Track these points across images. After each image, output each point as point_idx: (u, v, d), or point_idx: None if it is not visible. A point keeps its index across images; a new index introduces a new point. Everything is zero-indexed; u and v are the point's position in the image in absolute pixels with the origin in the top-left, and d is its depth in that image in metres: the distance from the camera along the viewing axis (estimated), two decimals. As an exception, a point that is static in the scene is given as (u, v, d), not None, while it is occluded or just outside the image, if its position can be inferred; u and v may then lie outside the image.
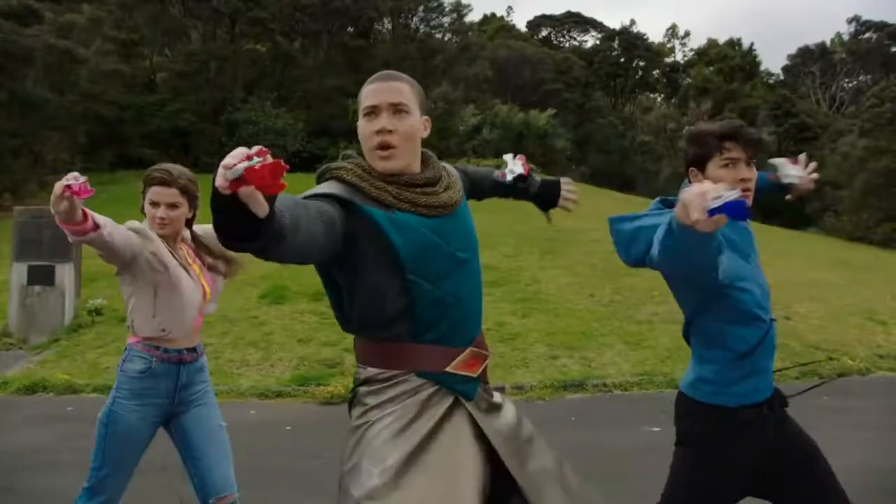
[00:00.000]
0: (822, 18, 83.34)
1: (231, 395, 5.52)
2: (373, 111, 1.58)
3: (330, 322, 7.22)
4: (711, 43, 45.34)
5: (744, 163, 1.87)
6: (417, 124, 1.62)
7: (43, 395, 5.58)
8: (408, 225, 1.53)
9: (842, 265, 13.06)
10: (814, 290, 9.64)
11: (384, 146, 1.56)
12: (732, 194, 1.27)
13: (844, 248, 17.41)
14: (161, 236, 2.39)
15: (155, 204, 2.37)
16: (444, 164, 1.77)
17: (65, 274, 7.02)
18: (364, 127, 1.60)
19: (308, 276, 8.92)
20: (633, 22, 66.42)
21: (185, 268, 2.41)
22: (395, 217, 1.53)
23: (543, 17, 48.52)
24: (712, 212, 1.26)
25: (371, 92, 1.60)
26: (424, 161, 1.69)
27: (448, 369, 1.59)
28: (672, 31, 51.50)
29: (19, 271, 7.01)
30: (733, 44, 43.85)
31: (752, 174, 1.88)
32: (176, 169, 2.42)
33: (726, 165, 1.87)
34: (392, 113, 1.57)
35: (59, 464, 3.98)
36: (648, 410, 5.06)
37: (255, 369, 6.14)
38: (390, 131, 1.56)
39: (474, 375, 1.64)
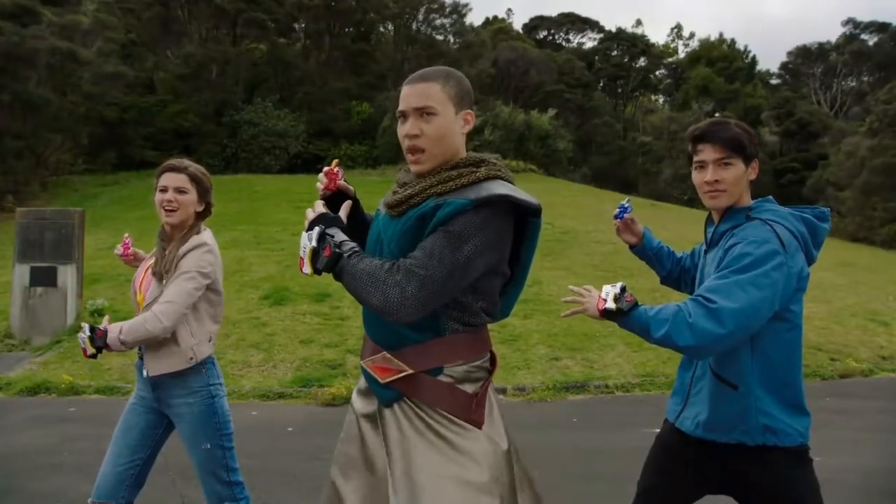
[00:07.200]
0: (829, 21, 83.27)
1: (233, 397, 5.52)
2: (402, 115, 1.61)
3: (332, 323, 7.22)
4: (703, 42, 45.26)
5: (714, 164, 1.85)
6: (446, 124, 1.58)
7: (45, 397, 5.58)
8: None
9: (845, 266, 13.04)
10: (816, 291, 9.63)
11: (412, 150, 1.59)
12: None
13: (847, 249, 17.38)
14: (169, 224, 2.44)
15: (164, 189, 2.43)
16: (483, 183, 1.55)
17: (67, 275, 7.03)
18: (398, 130, 1.63)
19: (308, 278, 8.91)
20: (638, 22, 66.57)
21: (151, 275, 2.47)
22: None
23: (540, 18, 48.33)
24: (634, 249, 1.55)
25: (401, 96, 1.62)
26: (457, 164, 1.58)
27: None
28: (676, 32, 51.55)
29: (21, 273, 7.01)
30: (724, 42, 43.76)
31: (721, 175, 1.84)
32: (186, 160, 2.52)
33: (696, 169, 1.91)
34: (418, 117, 1.57)
35: (61, 465, 3.98)
36: (650, 412, 5.05)
37: (257, 370, 6.14)
38: (416, 135, 1.57)
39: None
